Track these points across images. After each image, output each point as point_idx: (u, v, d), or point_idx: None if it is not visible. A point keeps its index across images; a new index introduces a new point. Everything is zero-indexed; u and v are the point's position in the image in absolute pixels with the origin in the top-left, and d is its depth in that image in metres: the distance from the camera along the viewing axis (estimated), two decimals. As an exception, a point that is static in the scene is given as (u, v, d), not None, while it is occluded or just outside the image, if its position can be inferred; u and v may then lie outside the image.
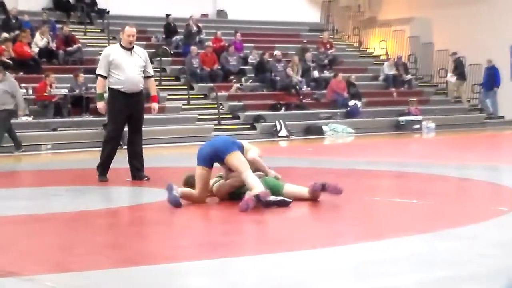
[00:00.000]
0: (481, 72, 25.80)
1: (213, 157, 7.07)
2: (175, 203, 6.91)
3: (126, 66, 9.15)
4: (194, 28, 23.57)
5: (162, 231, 6.14)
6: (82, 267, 4.61)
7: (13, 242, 5.59)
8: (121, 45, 9.30)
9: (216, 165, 7.18)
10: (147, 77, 9.46)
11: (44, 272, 4.48)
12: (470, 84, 26.12)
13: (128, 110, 9.24)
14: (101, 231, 6.30)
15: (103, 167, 9.34)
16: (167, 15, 23.87)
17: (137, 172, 9.32)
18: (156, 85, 19.97)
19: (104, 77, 9.24)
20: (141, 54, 9.39)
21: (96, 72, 9.40)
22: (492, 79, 24.80)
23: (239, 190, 7.11)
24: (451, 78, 25.43)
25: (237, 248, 5.22)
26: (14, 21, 21.13)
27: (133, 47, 9.29)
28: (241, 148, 7.15)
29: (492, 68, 24.83)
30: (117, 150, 9.49)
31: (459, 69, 25.43)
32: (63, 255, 5.09)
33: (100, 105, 9.36)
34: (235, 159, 6.95)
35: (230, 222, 6.49)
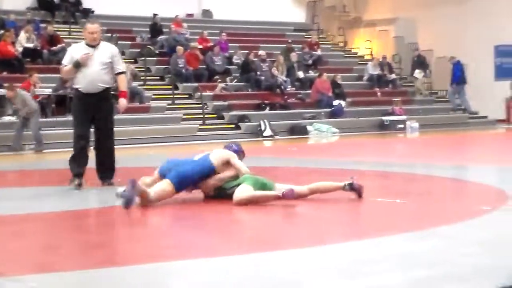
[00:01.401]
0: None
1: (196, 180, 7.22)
2: (126, 203, 6.73)
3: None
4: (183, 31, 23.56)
5: (146, 231, 6.14)
6: (67, 267, 4.61)
7: (-3, 242, 5.58)
8: (86, 43, 8.83)
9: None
10: (117, 74, 8.88)
11: (28, 273, 4.47)
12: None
13: (88, 111, 8.73)
14: (85, 231, 6.29)
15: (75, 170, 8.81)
16: (154, 15, 23.84)
17: (102, 177, 8.87)
18: (141, 85, 20.42)
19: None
20: (106, 50, 8.83)
21: (61, 66, 9.02)
22: (461, 74, 25.01)
23: (225, 185, 7.15)
24: (419, 74, 25.43)
25: (223, 248, 5.23)
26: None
27: (99, 43, 8.80)
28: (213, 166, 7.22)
29: (456, 64, 25.01)
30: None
31: (423, 64, 25.56)
32: (48, 255, 5.08)
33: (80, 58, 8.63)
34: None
35: (216, 221, 6.51)
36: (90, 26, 8.83)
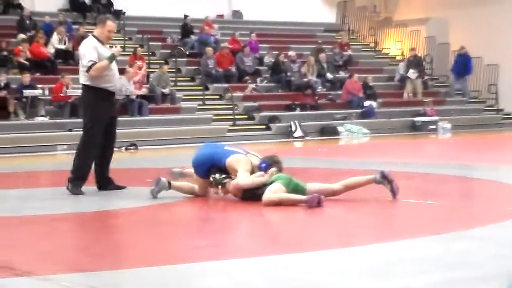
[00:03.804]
0: (498, 72, 25.72)
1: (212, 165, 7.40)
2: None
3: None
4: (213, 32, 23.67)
5: (177, 231, 6.15)
6: (98, 267, 4.64)
7: (30, 242, 5.63)
8: (97, 38, 8.22)
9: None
10: None
11: (60, 272, 4.51)
12: (486, 84, 26.01)
13: (112, 111, 8.36)
14: (117, 231, 6.33)
15: (82, 178, 8.29)
16: (185, 16, 23.93)
17: (109, 182, 8.44)
18: (172, 86, 20.48)
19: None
20: (110, 49, 8.36)
21: (89, 64, 8.04)
22: (463, 66, 24.77)
23: (256, 190, 7.11)
24: (412, 74, 24.84)
25: (252, 249, 5.23)
26: (28, 21, 21.26)
27: None
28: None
29: (464, 55, 24.77)
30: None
31: (419, 65, 25.27)
32: (80, 255, 5.12)
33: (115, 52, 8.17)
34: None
35: (246, 222, 6.51)
36: (112, 24, 8.24)
